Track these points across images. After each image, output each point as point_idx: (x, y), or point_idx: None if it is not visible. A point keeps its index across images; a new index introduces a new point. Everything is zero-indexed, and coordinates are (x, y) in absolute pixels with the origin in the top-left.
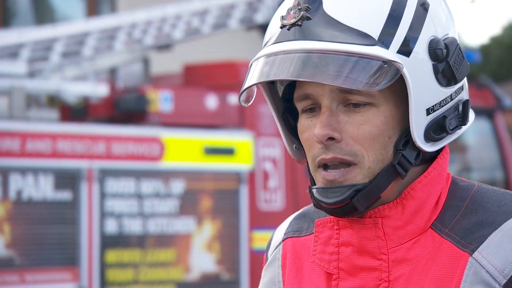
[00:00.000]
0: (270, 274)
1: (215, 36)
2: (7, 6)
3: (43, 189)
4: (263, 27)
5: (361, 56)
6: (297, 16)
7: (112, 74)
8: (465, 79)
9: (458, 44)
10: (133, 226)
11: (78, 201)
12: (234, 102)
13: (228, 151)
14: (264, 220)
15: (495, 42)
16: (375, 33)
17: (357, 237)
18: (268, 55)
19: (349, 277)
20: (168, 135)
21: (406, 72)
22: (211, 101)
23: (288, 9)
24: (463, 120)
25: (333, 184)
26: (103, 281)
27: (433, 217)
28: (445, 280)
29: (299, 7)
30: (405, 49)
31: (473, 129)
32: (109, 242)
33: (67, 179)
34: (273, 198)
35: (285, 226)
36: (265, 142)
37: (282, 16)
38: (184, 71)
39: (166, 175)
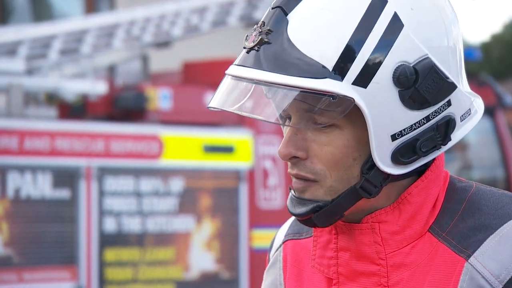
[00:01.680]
0: (272, 276)
1: (214, 34)
2: (5, 3)
3: (41, 187)
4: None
5: (308, 91)
6: (256, 40)
7: (110, 71)
8: (460, 91)
9: (433, 66)
10: (132, 225)
11: (77, 200)
12: None
13: (227, 149)
14: (263, 219)
15: (496, 39)
16: (330, 64)
17: (355, 242)
18: (229, 75)
19: (348, 282)
20: (167, 133)
21: (361, 103)
22: (210, 99)
23: (254, 28)
24: (443, 140)
25: (299, 195)
26: (102, 280)
27: (431, 220)
28: (442, 285)
29: (261, 30)
30: (363, 80)
31: (474, 127)
32: (108, 240)
33: (66, 177)
34: (273, 196)
35: (286, 228)
36: (264, 140)
37: (247, 36)
38: (183, 69)
39: (165, 173)
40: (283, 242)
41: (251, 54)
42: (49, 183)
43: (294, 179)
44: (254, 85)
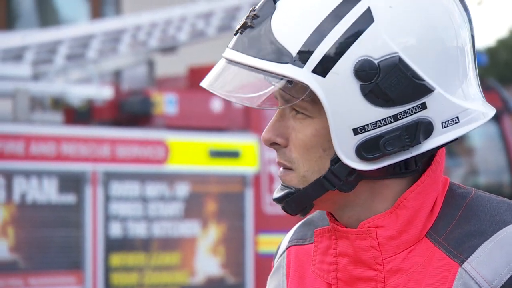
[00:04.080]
0: (275, 282)
1: (220, 39)
2: (11, 8)
3: (47, 192)
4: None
5: (268, 72)
6: (241, 23)
7: (116, 76)
8: (443, 97)
9: (398, 64)
10: (138, 230)
11: (83, 204)
12: (239, 105)
13: (233, 154)
14: (269, 224)
15: (502, 44)
16: (294, 50)
17: (352, 248)
18: (222, 57)
19: (347, 287)
20: (173, 138)
21: (318, 91)
22: (216, 104)
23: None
24: (411, 142)
25: (281, 181)
26: (108, 285)
27: (428, 225)
28: None
29: (249, 14)
30: (322, 69)
31: (480, 132)
32: (113, 245)
33: (72, 182)
34: None
35: (291, 234)
36: None
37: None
38: (189, 74)
39: (171, 178)
40: (287, 248)
41: (236, 37)
42: (55, 188)
43: (279, 169)
44: (242, 68)
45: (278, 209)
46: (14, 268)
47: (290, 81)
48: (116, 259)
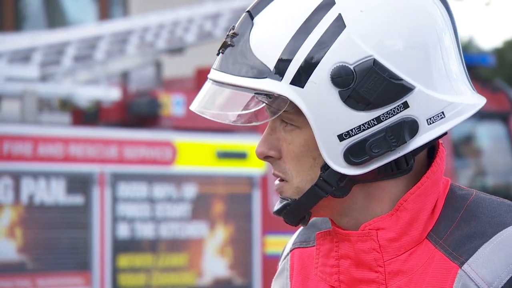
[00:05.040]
0: (279, 285)
1: None
2: (19, 9)
3: (55, 193)
4: None
5: (249, 89)
6: (222, 43)
7: (124, 77)
8: (424, 94)
9: (373, 67)
10: (145, 231)
11: (90, 206)
12: None
13: (240, 155)
14: (276, 225)
15: (509, 45)
16: (271, 64)
17: (354, 250)
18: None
19: None
20: (181, 139)
21: (299, 102)
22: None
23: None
24: (397, 142)
25: (278, 193)
26: (115, 286)
27: (429, 227)
28: None
29: (228, 33)
30: (300, 79)
31: (488, 133)
32: (121, 246)
33: (79, 183)
34: None
35: (295, 236)
36: None
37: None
38: (196, 75)
39: (178, 179)
40: (291, 251)
41: (218, 57)
42: (62, 189)
43: (275, 181)
44: (226, 88)
45: None
46: (22, 269)
47: (269, 95)
48: (124, 260)
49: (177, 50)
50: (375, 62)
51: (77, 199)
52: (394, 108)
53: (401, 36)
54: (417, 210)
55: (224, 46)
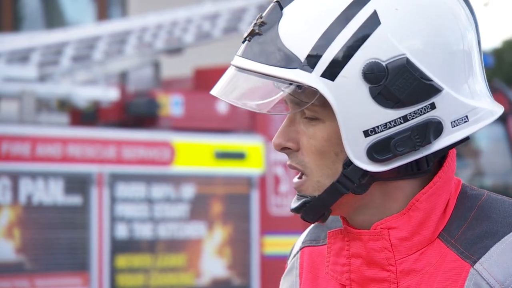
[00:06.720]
0: (288, 283)
1: (226, 40)
2: (17, 10)
3: (53, 193)
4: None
5: (277, 78)
6: (249, 31)
7: (122, 78)
8: (451, 96)
9: (406, 65)
10: (144, 231)
11: (88, 206)
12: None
13: (239, 156)
14: (275, 225)
15: (508, 45)
16: (302, 55)
17: (365, 249)
18: (231, 64)
19: None
20: (179, 140)
21: (328, 95)
22: (222, 105)
23: (253, 20)
24: (422, 142)
25: (297, 191)
26: (114, 286)
27: (441, 226)
28: None
29: (256, 22)
30: (331, 73)
31: (486, 134)
32: (119, 247)
33: (77, 184)
34: (284, 203)
35: (304, 235)
36: None
37: (248, 27)
38: (194, 75)
39: (176, 180)
40: (300, 249)
41: (244, 44)
42: (61, 190)
43: (294, 179)
44: (252, 75)
45: (283, 211)
46: (20, 270)
47: (299, 86)
48: (122, 261)
49: (175, 50)
50: (407, 60)
51: (76, 199)
52: (422, 108)
53: (432, 37)
54: (429, 209)
55: (252, 34)
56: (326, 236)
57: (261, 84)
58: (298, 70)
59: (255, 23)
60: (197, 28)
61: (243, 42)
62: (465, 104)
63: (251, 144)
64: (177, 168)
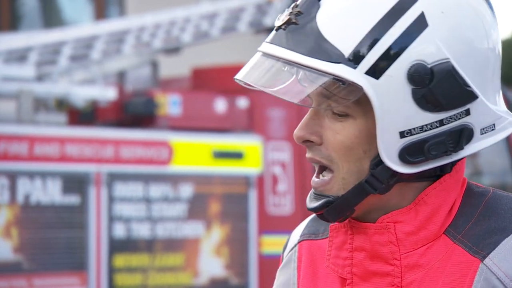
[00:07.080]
0: (285, 276)
1: (224, 40)
2: (15, 9)
3: (51, 193)
4: (272, 31)
5: (318, 71)
6: (285, 19)
7: (120, 77)
8: (484, 104)
9: (452, 71)
10: (142, 231)
11: (86, 205)
12: (243, 105)
13: (237, 155)
14: (273, 225)
15: (506, 44)
16: (347, 51)
17: (370, 242)
18: (258, 51)
19: (362, 282)
20: (177, 139)
21: (371, 93)
22: (220, 105)
23: (287, 8)
24: (454, 147)
25: (316, 190)
26: (112, 286)
27: (447, 223)
28: (456, 286)
29: (292, 11)
30: (376, 71)
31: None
32: (117, 246)
33: (75, 183)
34: (282, 202)
35: (302, 228)
36: (274, 146)
37: (279, 16)
38: (192, 75)
39: (174, 179)
40: (299, 242)
41: (278, 33)
42: (58, 189)
43: (313, 177)
44: (280, 63)
45: (281, 210)
46: (18, 269)
47: (342, 82)
48: (120, 260)
49: (173, 50)
50: (452, 66)
51: (73, 199)
52: (458, 113)
53: (473, 44)
54: (438, 205)
55: (288, 22)
56: (325, 229)
57: (285, 74)
58: (342, 65)
59: (290, 12)
60: (195, 27)
61: (276, 30)
62: (494, 112)
63: (249, 144)
64: (175, 167)
